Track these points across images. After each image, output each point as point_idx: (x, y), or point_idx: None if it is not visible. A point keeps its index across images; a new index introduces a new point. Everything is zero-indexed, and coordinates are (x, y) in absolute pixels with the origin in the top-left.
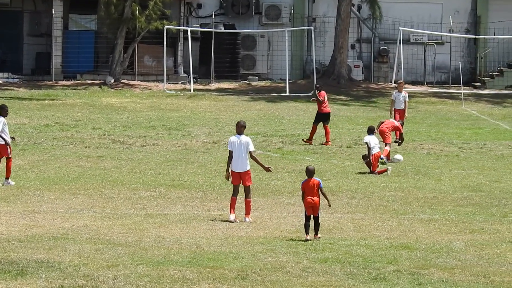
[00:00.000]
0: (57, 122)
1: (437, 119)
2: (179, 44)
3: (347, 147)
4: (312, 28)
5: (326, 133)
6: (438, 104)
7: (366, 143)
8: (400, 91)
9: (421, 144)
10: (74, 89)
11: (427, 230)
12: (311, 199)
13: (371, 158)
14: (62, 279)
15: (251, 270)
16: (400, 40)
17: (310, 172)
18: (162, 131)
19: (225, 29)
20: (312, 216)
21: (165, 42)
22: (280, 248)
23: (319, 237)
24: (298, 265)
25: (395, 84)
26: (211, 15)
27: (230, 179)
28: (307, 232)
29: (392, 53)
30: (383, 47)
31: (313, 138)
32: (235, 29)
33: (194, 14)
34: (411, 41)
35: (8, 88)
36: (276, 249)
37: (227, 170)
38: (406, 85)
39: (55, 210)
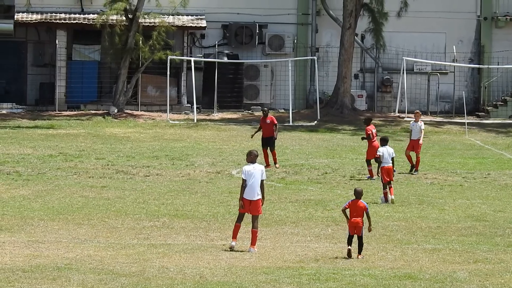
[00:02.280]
0: (61, 152)
1: (441, 149)
2: (182, 74)
3: (351, 177)
4: (315, 58)
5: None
6: (441, 134)
7: (380, 156)
8: (416, 121)
9: (425, 174)
10: (78, 119)
11: (431, 260)
12: (355, 220)
13: (380, 169)
14: None
15: None
16: (403, 70)
17: (358, 194)
18: (165, 161)
19: (228, 59)
20: (356, 236)
21: (168, 72)
22: (284, 278)
23: (362, 257)
24: None
25: (398, 114)
26: (215, 45)
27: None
28: (349, 244)
29: (395, 82)
30: (386, 76)
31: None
32: (239, 59)
33: (198, 44)
34: (415, 70)
35: (12, 118)
36: (280, 279)
37: (241, 199)
38: (409, 115)
39: (59, 240)
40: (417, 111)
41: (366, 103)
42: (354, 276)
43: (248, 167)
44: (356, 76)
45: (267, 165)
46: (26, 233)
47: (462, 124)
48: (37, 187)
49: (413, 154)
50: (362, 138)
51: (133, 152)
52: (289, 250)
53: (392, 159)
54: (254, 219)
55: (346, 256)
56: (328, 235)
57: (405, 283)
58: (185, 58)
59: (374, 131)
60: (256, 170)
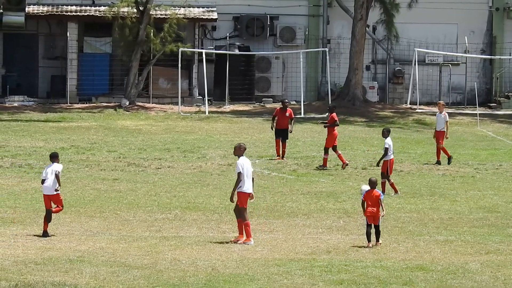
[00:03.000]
0: (72, 145)
1: (453, 140)
2: (194, 66)
3: (363, 169)
4: (327, 49)
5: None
6: (453, 125)
7: (387, 148)
8: (440, 112)
9: (437, 165)
10: (89, 112)
11: (442, 251)
12: (372, 209)
13: (385, 162)
14: None
15: None
16: (415, 61)
17: (373, 183)
18: (177, 154)
19: (239, 51)
20: (372, 225)
21: (180, 65)
22: (296, 270)
23: (380, 243)
24: (314, 287)
25: (410, 105)
26: (226, 37)
27: (235, 201)
28: (369, 240)
29: (407, 74)
30: (398, 68)
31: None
32: (250, 51)
33: (209, 37)
34: (426, 62)
35: (24, 111)
36: (292, 271)
37: (234, 193)
38: (421, 106)
39: (71, 233)
40: (440, 101)
41: (377, 94)
42: (366, 267)
43: (243, 160)
44: (367, 68)
45: (278, 157)
46: (38, 225)
47: (474, 115)
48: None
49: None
50: (325, 126)
51: (145, 145)
52: (301, 242)
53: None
54: (244, 211)
55: (366, 247)
56: (340, 227)
57: (417, 275)
58: (196, 50)
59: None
60: (248, 163)
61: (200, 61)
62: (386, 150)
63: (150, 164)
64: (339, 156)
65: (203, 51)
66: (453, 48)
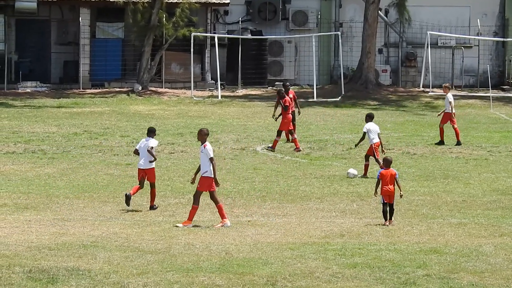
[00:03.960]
0: (85, 130)
1: (466, 123)
2: (206, 51)
3: None
4: (339, 33)
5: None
6: (466, 108)
7: (365, 133)
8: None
9: (450, 148)
10: (102, 97)
11: (456, 234)
12: (388, 188)
13: (370, 146)
14: (92, 287)
15: (281, 276)
16: (428, 44)
17: (388, 162)
18: (190, 138)
19: (252, 35)
20: (389, 203)
21: (192, 49)
22: (309, 254)
23: (393, 223)
24: (328, 271)
25: (423, 88)
26: (238, 22)
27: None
28: (385, 219)
29: (419, 57)
30: (410, 51)
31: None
32: (262, 35)
33: (221, 21)
34: (439, 44)
35: (37, 97)
36: (305, 255)
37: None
38: (434, 89)
39: (85, 218)
40: (444, 84)
41: (390, 78)
42: (380, 251)
43: (211, 146)
44: (380, 51)
45: (288, 140)
46: (51, 211)
47: (487, 98)
48: (62, 165)
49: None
50: (285, 107)
51: (158, 130)
52: (315, 226)
53: (378, 134)
54: (199, 195)
55: (382, 224)
56: (353, 210)
57: (431, 258)
58: (208, 34)
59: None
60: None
61: (213, 45)
62: (364, 134)
63: (163, 149)
64: (294, 140)
65: (216, 35)
66: (466, 31)
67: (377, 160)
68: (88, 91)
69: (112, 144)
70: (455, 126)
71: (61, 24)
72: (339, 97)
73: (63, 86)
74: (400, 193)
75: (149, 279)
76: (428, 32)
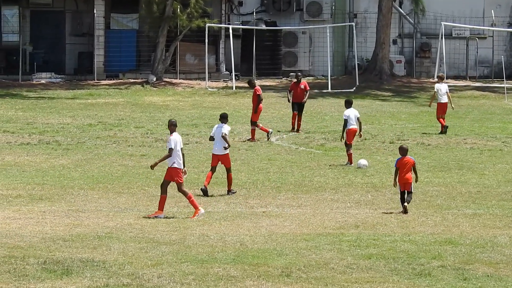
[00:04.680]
0: (100, 122)
1: (480, 114)
2: (220, 42)
3: (390, 143)
4: (353, 24)
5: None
6: (480, 99)
7: (346, 119)
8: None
9: (464, 139)
10: (117, 88)
11: (471, 225)
12: (405, 176)
13: (345, 133)
14: (107, 278)
15: (295, 267)
16: (442, 35)
17: (404, 151)
18: (204, 129)
19: (266, 26)
20: (406, 191)
21: (206, 40)
22: (324, 245)
23: (407, 210)
24: (342, 262)
25: (437, 79)
26: (252, 13)
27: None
28: (402, 202)
29: (434, 47)
30: (425, 42)
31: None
32: (277, 26)
33: (235, 12)
34: (453, 35)
35: (51, 88)
36: (320, 246)
37: (158, 163)
38: (448, 80)
39: (99, 209)
40: (439, 73)
41: (404, 68)
42: (395, 242)
43: (176, 136)
44: (394, 42)
45: (293, 129)
46: (66, 202)
47: (501, 88)
48: (77, 156)
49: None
50: (260, 100)
51: None
52: (329, 217)
53: (358, 119)
54: (167, 184)
55: (402, 213)
56: (368, 201)
57: (445, 248)
58: (223, 25)
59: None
60: (181, 139)
61: (227, 36)
62: (345, 121)
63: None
64: (252, 130)
65: (230, 26)
66: (480, 22)
67: (346, 145)
68: (103, 82)
69: (126, 135)
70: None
71: (75, 15)
72: (353, 88)
73: (78, 77)
74: (416, 180)
75: (163, 270)
76: (442, 23)
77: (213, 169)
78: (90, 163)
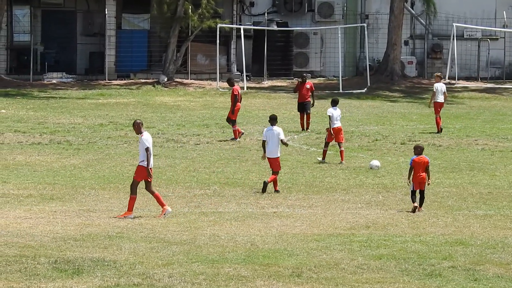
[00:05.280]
0: (111, 121)
1: (491, 115)
2: (232, 42)
3: (401, 144)
4: (365, 25)
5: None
6: (492, 100)
7: (330, 116)
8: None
9: (476, 140)
10: (128, 88)
11: (482, 226)
12: (420, 175)
13: (331, 130)
14: (117, 278)
15: (306, 267)
16: (453, 36)
17: (420, 149)
18: (215, 129)
19: (278, 27)
20: (418, 190)
21: (218, 41)
22: (335, 245)
23: (422, 210)
24: (353, 262)
25: (449, 80)
26: (264, 13)
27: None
28: (413, 201)
29: (445, 49)
30: (436, 43)
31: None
32: (288, 27)
33: (247, 12)
34: (465, 36)
35: (62, 88)
36: (331, 246)
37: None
38: (460, 81)
39: (110, 209)
40: (436, 73)
41: (416, 69)
42: (405, 242)
43: (148, 136)
44: (406, 43)
45: (302, 130)
46: (77, 202)
47: None
48: (88, 156)
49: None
50: (236, 100)
51: (183, 121)
52: (340, 217)
53: (340, 120)
54: (136, 184)
55: (411, 211)
56: (379, 202)
57: (456, 249)
58: (234, 26)
59: (240, 91)
60: (151, 138)
61: (238, 37)
62: (330, 118)
63: (188, 140)
64: (234, 127)
65: (241, 27)
66: (492, 23)
67: (326, 143)
68: (114, 82)
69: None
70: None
71: (87, 15)
72: (365, 89)
73: (89, 77)
74: (428, 182)
75: (174, 270)
76: (454, 24)
77: (272, 172)
78: (101, 163)
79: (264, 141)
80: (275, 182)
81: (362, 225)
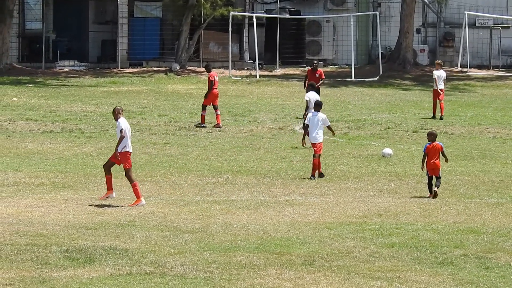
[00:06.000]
0: (123, 110)
1: (503, 103)
2: (244, 30)
3: (413, 132)
4: (377, 13)
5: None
6: (503, 88)
7: (307, 100)
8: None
9: (487, 128)
10: (140, 76)
11: (494, 214)
12: (433, 162)
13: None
14: (129, 266)
15: (318, 255)
16: (465, 24)
17: (434, 136)
18: (228, 118)
19: (290, 15)
20: (434, 176)
21: (230, 29)
22: (347, 233)
23: (437, 194)
24: (365, 250)
25: (461, 68)
26: (276, 1)
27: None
28: (430, 192)
29: (457, 37)
30: (448, 31)
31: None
32: (300, 15)
33: (259, 0)
34: (477, 25)
35: (74, 76)
36: (343, 234)
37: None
38: (472, 69)
39: (122, 197)
40: (436, 60)
41: (428, 57)
42: (417, 230)
43: (124, 121)
44: (418, 31)
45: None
46: (89, 190)
47: None
48: (100, 144)
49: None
50: (211, 85)
51: (196, 109)
52: (352, 205)
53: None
54: (130, 171)
55: (431, 197)
56: (391, 190)
57: (468, 237)
58: (247, 14)
59: (216, 78)
60: (128, 123)
61: (251, 25)
62: (307, 102)
63: (201, 128)
64: (217, 116)
65: (254, 15)
66: (503, 11)
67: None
68: (126, 70)
69: (150, 123)
70: (442, 101)
71: (99, 3)
72: (377, 77)
73: (101, 65)
74: (446, 160)
75: (186, 258)
76: (465, 12)
77: (314, 155)
78: (113, 151)
79: (307, 125)
80: (318, 165)
81: (374, 213)
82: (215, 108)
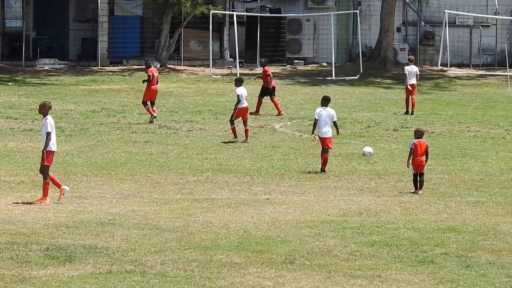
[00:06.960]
0: (103, 108)
1: (483, 102)
2: (225, 28)
3: (394, 130)
4: (357, 11)
5: (276, 105)
6: (484, 87)
7: (238, 95)
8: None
9: (468, 127)
10: (120, 74)
11: (474, 213)
12: (419, 159)
13: (235, 111)
14: (110, 265)
15: (299, 254)
16: (445, 23)
17: (421, 133)
18: (208, 116)
19: (270, 13)
20: (418, 173)
21: (211, 27)
22: (328, 232)
23: (421, 193)
24: (346, 249)
25: (441, 67)
26: (257, 0)
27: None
28: (416, 187)
29: (438, 36)
30: (429, 29)
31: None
32: (281, 13)
33: None
34: (457, 23)
35: (54, 74)
36: (324, 233)
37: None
38: (452, 68)
39: (102, 196)
40: (409, 56)
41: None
42: (398, 229)
43: (51, 119)
44: (398, 30)
45: (256, 113)
46: (69, 188)
47: (505, 76)
48: (80, 142)
49: None
50: (149, 81)
51: (176, 107)
52: (333, 204)
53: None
54: (47, 169)
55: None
56: (371, 188)
57: (448, 236)
58: (227, 12)
59: (156, 74)
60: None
61: (231, 23)
62: (238, 97)
63: (181, 127)
64: (148, 110)
65: (234, 13)
66: (483, 10)
67: (231, 121)
68: (107, 68)
69: (130, 121)
70: (413, 97)
71: (79, 1)
72: (358, 75)
73: (81, 64)
74: (425, 162)
75: (167, 257)
76: (446, 11)
77: (323, 151)
78: (93, 149)
79: (316, 120)
80: (325, 161)
81: (354, 211)
82: (152, 105)
